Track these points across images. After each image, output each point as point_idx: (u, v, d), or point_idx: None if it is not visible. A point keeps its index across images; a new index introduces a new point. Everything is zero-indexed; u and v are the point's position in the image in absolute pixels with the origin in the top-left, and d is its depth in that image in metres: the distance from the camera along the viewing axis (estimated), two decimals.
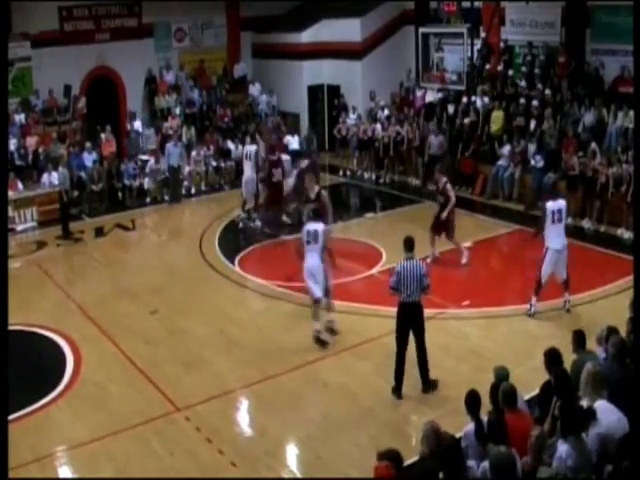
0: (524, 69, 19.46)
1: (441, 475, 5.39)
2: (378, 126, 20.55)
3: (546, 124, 17.36)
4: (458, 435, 6.27)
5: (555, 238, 11.12)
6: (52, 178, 17.81)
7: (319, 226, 10.79)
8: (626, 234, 14.65)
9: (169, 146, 19.33)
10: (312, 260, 10.75)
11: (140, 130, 21.24)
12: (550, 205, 11.21)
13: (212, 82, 24.01)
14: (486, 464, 5.47)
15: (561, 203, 11.34)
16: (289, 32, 24.03)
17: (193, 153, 20.27)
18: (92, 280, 14.24)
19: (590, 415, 5.61)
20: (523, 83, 19.00)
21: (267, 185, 16.37)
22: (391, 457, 5.60)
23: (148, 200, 19.17)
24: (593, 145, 15.87)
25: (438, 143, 18.73)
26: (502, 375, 6.84)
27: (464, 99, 19.77)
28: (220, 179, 20.54)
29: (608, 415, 5.71)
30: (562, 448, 5.36)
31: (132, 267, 15.31)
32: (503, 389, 6.38)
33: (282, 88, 23.90)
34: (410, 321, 9.23)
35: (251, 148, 16.93)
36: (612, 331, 7.18)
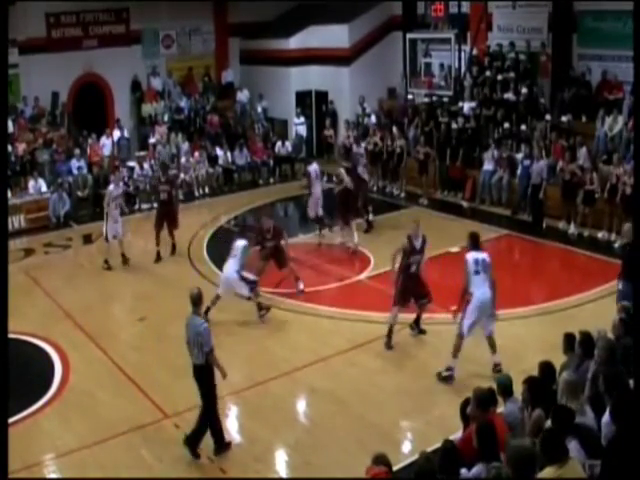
0: (512, 74, 19.47)
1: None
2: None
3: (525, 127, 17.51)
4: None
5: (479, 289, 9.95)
6: (38, 185, 17.73)
7: None
8: (609, 237, 14.76)
9: (159, 147, 20.24)
10: None
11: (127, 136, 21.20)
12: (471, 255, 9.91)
13: (200, 89, 24.01)
14: (479, 469, 5.41)
15: (484, 253, 9.99)
16: (277, 38, 24.07)
17: (183, 160, 20.32)
18: (80, 287, 14.16)
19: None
20: (509, 88, 19.05)
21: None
22: (386, 463, 5.58)
23: (137, 207, 19.09)
24: (583, 150, 15.93)
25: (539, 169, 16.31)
26: (505, 384, 6.80)
27: (445, 100, 19.82)
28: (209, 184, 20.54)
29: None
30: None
31: (120, 274, 15.25)
32: (475, 395, 6.32)
33: (270, 94, 23.89)
34: None
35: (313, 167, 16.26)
36: (585, 336, 7.20)
